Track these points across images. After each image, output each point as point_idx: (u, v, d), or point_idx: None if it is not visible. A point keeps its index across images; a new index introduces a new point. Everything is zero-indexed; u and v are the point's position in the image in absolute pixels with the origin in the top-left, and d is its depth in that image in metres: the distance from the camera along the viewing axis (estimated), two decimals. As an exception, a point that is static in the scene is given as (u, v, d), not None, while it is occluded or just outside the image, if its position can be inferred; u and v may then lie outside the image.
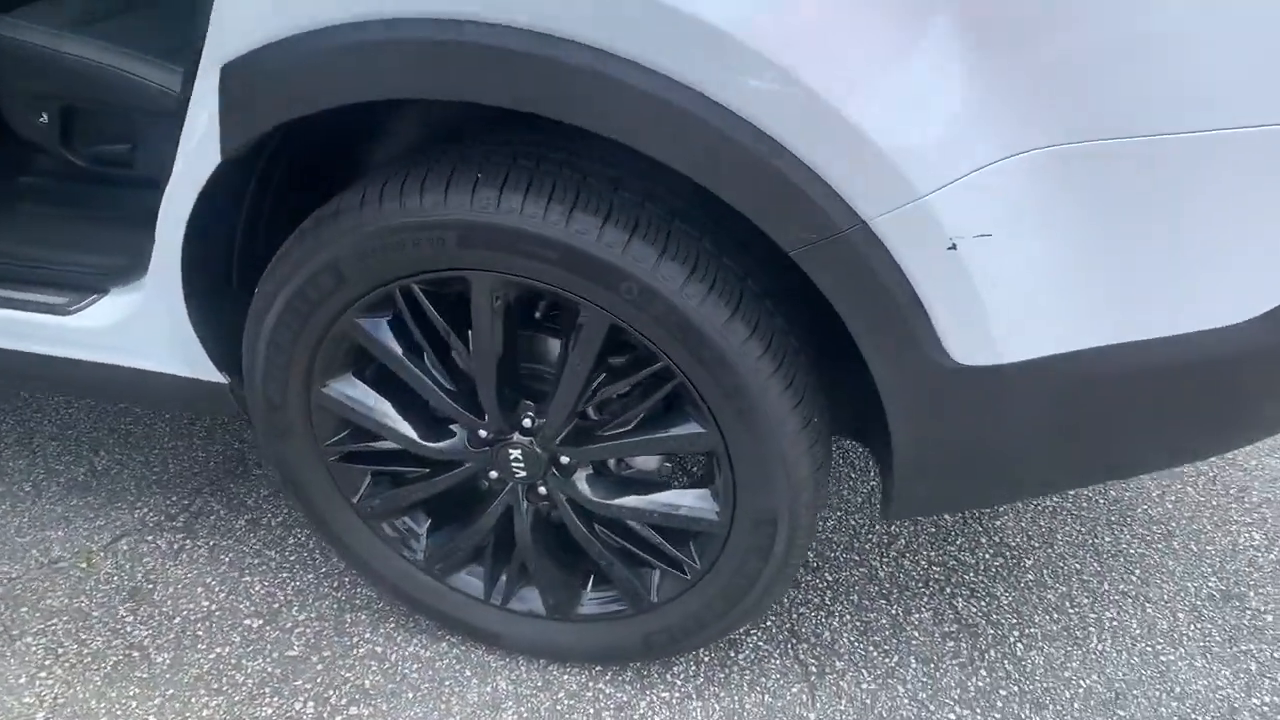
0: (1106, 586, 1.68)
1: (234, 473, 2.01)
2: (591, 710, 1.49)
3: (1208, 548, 1.75)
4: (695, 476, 1.41)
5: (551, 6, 0.94)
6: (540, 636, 1.51)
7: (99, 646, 1.61)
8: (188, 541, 1.83)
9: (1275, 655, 1.54)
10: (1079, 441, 1.14)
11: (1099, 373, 1.07)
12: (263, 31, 1.04)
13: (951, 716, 1.46)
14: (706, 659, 1.56)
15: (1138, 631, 1.59)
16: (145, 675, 1.55)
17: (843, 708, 1.48)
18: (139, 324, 1.50)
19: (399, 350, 1.28)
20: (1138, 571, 1.70)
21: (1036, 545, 1.77)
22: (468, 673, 1.55)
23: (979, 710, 1.47)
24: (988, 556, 1.75)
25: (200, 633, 1.63)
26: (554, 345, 1.32)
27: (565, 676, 1.54)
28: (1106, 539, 1.78)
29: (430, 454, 1.38)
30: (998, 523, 1.83)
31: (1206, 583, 1.68)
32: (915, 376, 1.07)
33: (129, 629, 1.64)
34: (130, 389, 1.60)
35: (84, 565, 1.78)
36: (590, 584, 1.48)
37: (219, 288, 1.45)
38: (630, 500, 1.33)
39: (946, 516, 1.83)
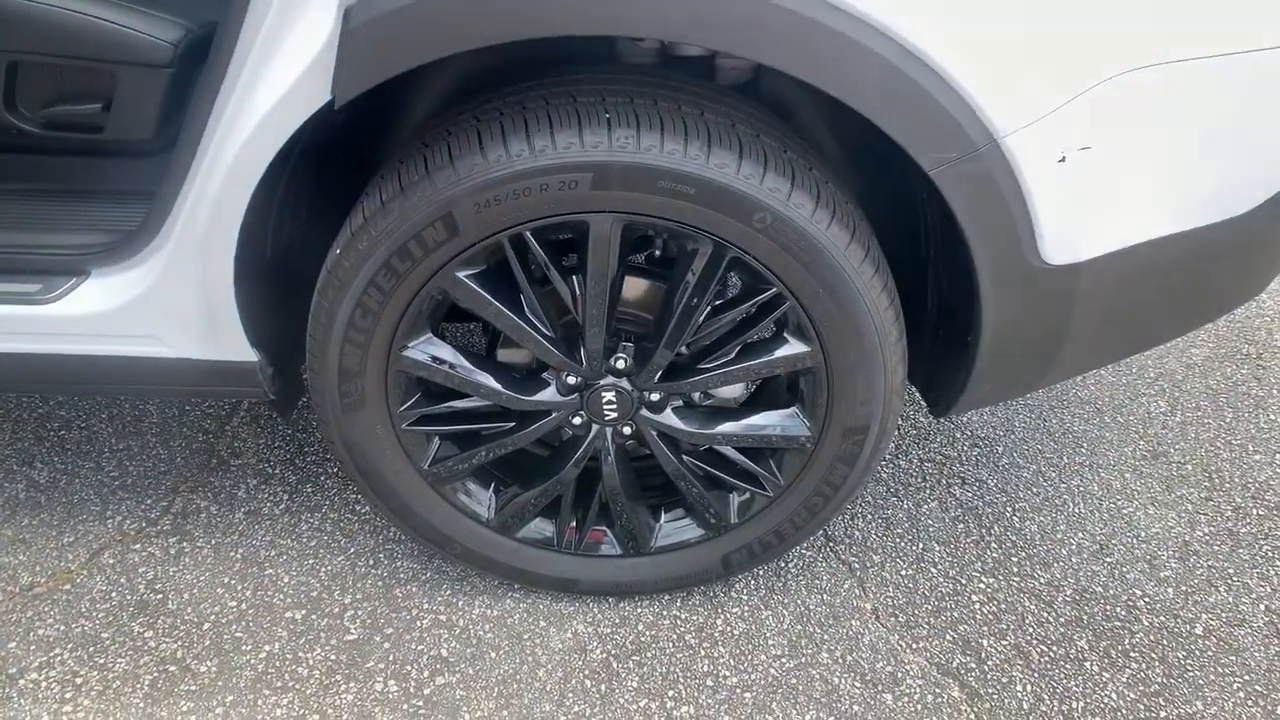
0: (1065, 460, 1.95)
1: (208, 466, 1.84)
2: (674, 636, 1.55)
3: (1130, 418, 2.07)
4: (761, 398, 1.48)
5: None
6: (617, 574, 1.55)
7: (125, 668, 1.45)
8: (185, 544, 1.67)
9: (1200, 496, 1.88)
10: (1125, 323, 1.34)
11: (1150, 262, 1.26)
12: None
13: (982, 585, 1.66)
14: (762, 574, 1.66)
15: (1100, 493, 1.87)
16: (194, 688, 1.43)
17: (892, 594, 1.64)
18: (145, 306, 1.35)
19: (499, 302, 1.25)
20: (1085, 445, 1.99)
21: (1001, 434, 2.02)
22: (542, 623, 1.56)
23: (1001, 576, 1.68)
24: (966, 448, 1.98)
25: (239, 634, 1.52)
26: (644, 285, 1.34)
27: (638, 610, 1.59)
28: (1054, 421, 2.06)
29: (522, 406, 1.36)
30: (965, 419, 2.06)
31: (1137, 446, 1.99)
32: (1015, 278, 1.21)
33: (153, 644, 1.49)
34: (129, 379, 1.44)
35: (68, 587, 1.58)
36: (663, 516, 1.53)
37: (258, 261, 1.33)
38: (726, 426, 1.40)
39: (922, 419, 2.04)
